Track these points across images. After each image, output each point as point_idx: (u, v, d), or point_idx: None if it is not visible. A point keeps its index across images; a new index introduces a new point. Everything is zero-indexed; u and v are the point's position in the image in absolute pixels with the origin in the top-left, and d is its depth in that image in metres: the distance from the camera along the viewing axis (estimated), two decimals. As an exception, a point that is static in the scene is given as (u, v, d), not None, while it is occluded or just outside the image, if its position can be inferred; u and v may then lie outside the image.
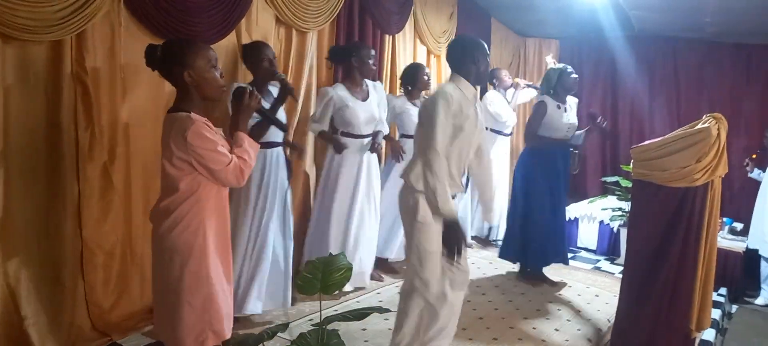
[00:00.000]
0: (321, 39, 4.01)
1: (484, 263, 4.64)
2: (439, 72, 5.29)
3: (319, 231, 3.68)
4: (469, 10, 5.56)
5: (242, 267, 3.06)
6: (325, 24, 3.91)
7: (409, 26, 4.76)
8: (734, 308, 4.33)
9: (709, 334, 3.42)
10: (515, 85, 5.19)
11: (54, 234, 2.68)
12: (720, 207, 2.74)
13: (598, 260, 5.12)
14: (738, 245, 4.75)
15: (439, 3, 5.10)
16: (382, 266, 4.14)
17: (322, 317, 2.16)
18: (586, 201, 5.95)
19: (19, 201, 2.54)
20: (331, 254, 2.54)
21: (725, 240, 4.86)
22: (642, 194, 2.81)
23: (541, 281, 4.18)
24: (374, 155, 3.75)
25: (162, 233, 1.90)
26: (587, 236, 5.44)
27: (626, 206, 4.90)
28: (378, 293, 3.80)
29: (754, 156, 4.64)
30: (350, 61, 3.59)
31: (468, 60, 2.53)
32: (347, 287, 3.66)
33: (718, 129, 2.57)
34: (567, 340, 3.26)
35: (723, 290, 4.40)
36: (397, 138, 4.20)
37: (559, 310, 3.72)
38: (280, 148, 3.15)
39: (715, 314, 3.65)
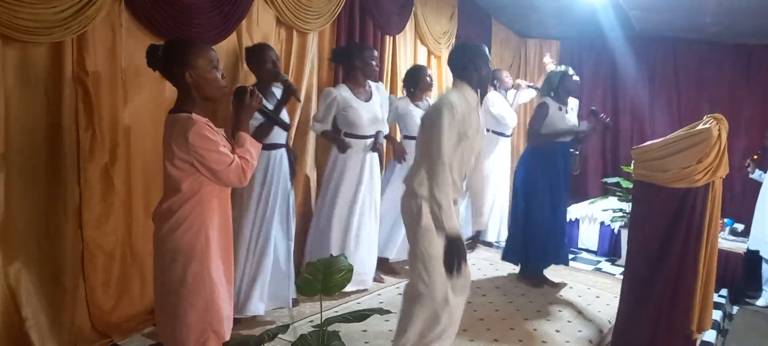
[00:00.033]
0: (321, 40, 4.01)
1: (485, 264, 4.64)
2: (439, 73, 5.29)
3: (320, 231, 3.68)
4: (470, 11, 5.56)
5: (244, 268, 3.06)
6: (326, 25, 3.91)
7: (409, 27, 4.76)
8: (735, 309, 4.32)
9: (710, 335, 3.42)
10: (516, 87, 5.19)
11: (54, 235, 2.68)
12: (721, 208, 2.73)
13: (599, 261, 5.11)
14: (739, 246, 4.75)
15: (439, 4, 5.10)
16: (383, 266, 4.13)
17: (323, 319, 2.16)
18: (586, 202, 5.94)
19: (20, 202, 2.54)
20: (331, 255, 2.54)
21: (726, 241, 4.87)
22: (643, 195, 2.81)
23: (542, 282, 4.18)
24: (376, 156, 3.75)
25: (164, 234, 1.90)
26: (588, 237, 5.44)
27: (627, 207, 4.90)
28: (379, 295, 3.79)
29: (755, 157, 4.64)
30: (353, 62, 3.60)
31: (470, 67, 2.53)
32: (349, 288, 3.65)
33: (719, 130, 2.57)
34: (568, 341, 3.26)
35: (724, 291, 4.40)
36: (399, 140, 4.20)
37: (560, 311, 3.72)
38: (283, 150, 3.15)
39: (716, 315, 3.65)
